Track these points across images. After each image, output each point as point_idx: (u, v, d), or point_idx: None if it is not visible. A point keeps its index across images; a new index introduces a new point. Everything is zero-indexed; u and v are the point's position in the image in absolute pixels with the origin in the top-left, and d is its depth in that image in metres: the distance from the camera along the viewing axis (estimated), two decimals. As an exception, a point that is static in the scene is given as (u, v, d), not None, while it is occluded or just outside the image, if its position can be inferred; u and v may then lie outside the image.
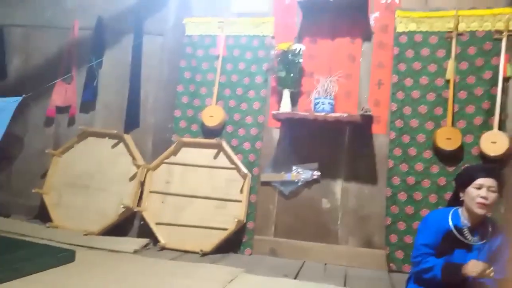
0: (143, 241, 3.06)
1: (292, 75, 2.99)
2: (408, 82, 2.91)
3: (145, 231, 3.16)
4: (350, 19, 3.02)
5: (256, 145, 3.19)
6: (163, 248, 3.02)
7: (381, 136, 2.99)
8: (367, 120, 2.81)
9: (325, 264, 2.93)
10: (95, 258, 2.61)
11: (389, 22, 2.97)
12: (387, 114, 2.96)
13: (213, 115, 3.21)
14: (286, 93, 3.01)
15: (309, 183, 3.09)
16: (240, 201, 3.06)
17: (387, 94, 2.97)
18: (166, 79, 3.37)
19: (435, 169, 2.83)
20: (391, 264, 2.84)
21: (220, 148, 3.21)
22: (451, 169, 2.79)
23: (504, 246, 1.95)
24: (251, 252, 3.08)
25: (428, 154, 2.85)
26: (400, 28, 2.92)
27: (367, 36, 3.02)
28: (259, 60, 3.23)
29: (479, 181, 1.87)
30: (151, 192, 3.25)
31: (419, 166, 2.86)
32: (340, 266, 2.90)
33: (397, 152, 2.90)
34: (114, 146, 3.42)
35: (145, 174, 3.26)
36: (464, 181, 1.94)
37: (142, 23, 3.46)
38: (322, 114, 2.80)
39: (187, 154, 3.29)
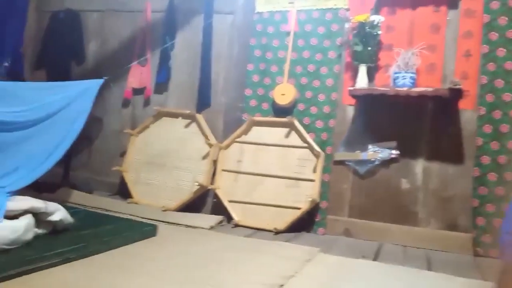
0: (218, 218, 3.12)
1: (369, 48, 2.84)
2: (501, 52, 2.64)
3: (218, 209, 3.22)
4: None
5: (329, 123, 3.10)
6: (237, 225, 3.06)
7: (468, 112, 2.77)
8: (456, 94, 2.61)
9: (404, 246, 2.81)
10: (175, 233, 2.71)
11: (481, -14, 2.71)
12: (476, 87, 2.73)
13: (284, 93, 3.15)
14: (363, 68, 2.88)
15: (386, 163, 2.96)
16: (313, 180, 3.01)
17: (476, 66, 2.73)
18: (236, 58, 3.36)
19: (532, 147, 2.58)
20: (477, 249, 2.66)
21: (291, 126, 3.16)
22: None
23: None
24: (325, 232, 3.03)
25: (524, 129, 2.60)
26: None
27: (453, 3, 2.78)
28: (332, 34, 3.10)
29: None
30: (223, 170, 3.30)
31: (511, 145, 2.62)
32: (420, 249, 2.77)
33: (487, 129, 2.67)
34: (187, 126, 3.50)
35: (218, 153, 3.31)
36: None
37: (212, 2, 3.45)
38: (404, 89, 2.64)
39: (258, 133, 3.28)
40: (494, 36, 2.66)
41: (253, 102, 3.34)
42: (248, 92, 3.36)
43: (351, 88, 2.85)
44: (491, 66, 2.67)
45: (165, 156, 3.48)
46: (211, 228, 2.94)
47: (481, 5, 2.70)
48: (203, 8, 3.48)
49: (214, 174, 3.30)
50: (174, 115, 3.55)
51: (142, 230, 2.55)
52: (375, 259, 2.53)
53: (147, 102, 3.72)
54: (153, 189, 3.45)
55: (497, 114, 2.66)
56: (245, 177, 3.25)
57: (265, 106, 3.31)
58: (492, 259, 2.52)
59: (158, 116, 3.60)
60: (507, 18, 2.63)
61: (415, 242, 2.82)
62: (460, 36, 2.77)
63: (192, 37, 3.55)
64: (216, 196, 3.25)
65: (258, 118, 3.28)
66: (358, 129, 3.05)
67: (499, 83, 2.65)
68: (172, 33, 3.60)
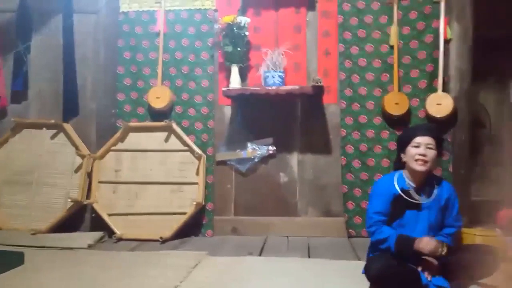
0: (97, 234, 2.91)
1: (239, 49, 2.89)
2: (354, 50, 2.92)
3: (98, 224, 3.00)
4: (293, -12, 2.96)
5: (208, 124, 3.09)
6: (119, 240, 2.89)
7: (332, 106, 3.01)
8: (318, 91, 2.80)
9: (288, 237, 2.96)
10: (47, 258, 2.44)
11: (332, -10, 2.94)
12: (337, 83, 2.97)
13: (159, 96, 3.05)
14: (235, 69, 2.92)
15: (265, 159, 3.07)
16: (196, 183, 2.98)
17: (335, 63, 2.97)
18: (104, 61, 3.15)
19: (385, 134, 2.91)
20: (350, 230, 2.92)
21: (170, 130, 3.08)
22: (400, 133, 2.86)
23: (453, 200, 2.03)
24: (213, 234, 3.04)
25: (378, 120, 2.91)
26: (344, -4, 2.91)
27: (311, 5, 2.98)
28: (203, 35, 3.08)
29: (417, 139, 1.92)
30: (100, 182, 3.08)
31: (370, 133, 2.92)
32: (302, 237, 2.94)
33: (349, 120, 2.94)
34: (53, 137, 3.17)
35: (92, 164, 3.07)
36: (403, 141, 1.98)
37: (71, 0, 3.16)
38: (274, 87, 2.75)
39: (135, 140, 3.13)
40: (348, 35, 2.92)
41: (127, 107, 3.17)
42: (120, 96, 3.17)
43: (225, 89, 2.88)
44: (347, 63, 2.92)
45: (31, 172, 3.12)
46: (90, 246, 2.73)
47: (335, 7, 2.93)
48: (62, 7, 3.17)
49: (89, 187, 3.06)
50: (37, 126, 3.18)
51: (5, 260, 2.24)
52: (260, 254, 2.61)
53: (3, 114, 3.27)
54: (20, 211, 3.07)
55: (356, 107, 2.93)
56: (125, 187, 3.08)
57: (141, 110, 3.16)
58: (363, 238, 2.78)
59: (18, 128, 3.19)
60: (357, 19, 2.90)
61: (297, 232, 2.98)
62: (319, 36, 2.98)
63: (50, 39, 3.22)
64: (94, 210, 3.03)
65: (134, 123, 3.13)
66: (236, 129, 3.10)
67: (356, 78, 2.93)
68: (27, 35, 3.22)
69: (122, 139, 3.13)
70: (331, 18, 2.96)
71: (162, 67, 3.08)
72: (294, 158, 3.06)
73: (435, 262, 1.85)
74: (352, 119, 2.93)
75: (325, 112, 3.01)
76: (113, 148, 3.12)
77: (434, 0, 2.80)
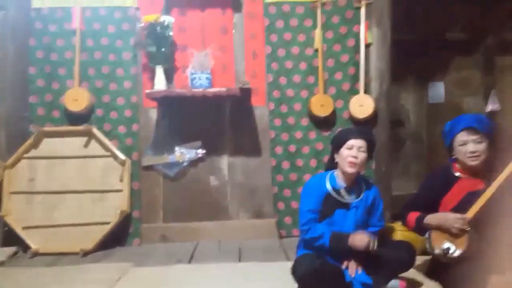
0: (10, 250, 2.67)
1: (163, 49, 2.78)
2: (281, 52, 2.94)
3: (12, 238, 2.74)
4: (218, -12, 2.90)
5: (133, 127, 2.94)
6: (35, 254, 2.66)
7: (261, 108, 3.00)
8: (246, 93, 2.78)
9: (219, 241, 2.91)
10: None
11: (258, -9, 2.93)
12: (265, 85, 2.97)
13: (77, 99, 2.84)
14: (159, 70, 2.80)
15: (194, 162, 2.99)
16: (121, 191, 2.82)
17: (262, 65, 2.96)
18: (12, 60, 2.86)
19: (312, 135, 2.96)
20: (281, 231, 2.94)
21: (90, 135, 2.87)
22: (326, 133, 2.95)
23: (378, 200, 2.12)
24: (140, 243, 2.90)
25: (305, 121, 2.96)
26: (269, -2, 2.91)
27: (237, 6, 2.94)
28: (124, 34, 2.92)
29: (350, 142, 1.99)
30: (12, 193, 2.81)
31: (299, 134, 2.96)
32: (234, 241, 2.90)
33: (277, 122, 2.95)
34: (-46, 145, 2.83)
35: (2, 174, 2.79)
36: (337, 143, 2.03)
37: (-28, -6, 2.84)
38: (200, 90, 2.68)
39: (51, 146, 2.89)
40: (274, 37, 2.93)
41: (40, 111, 2.91)
42: (33, 99, 2.91)
43: (149, 91, 2.75)
44: (274, 65, 2.93)
45: None
46: (2, 263, 2.50)
47: (261, 9, 2.92)
48: (-40, 0, 2.84)
49: (0, 199, 2.77)
50: None
51: None
52: (190, 261, 2.53)
53: None
54: None
55: (284, 108, 2.95)
56: (41, 197, 2.84)
57: (56, 114, 2.93)
58: (294, 238, 2.80)
59: None
60: (283, 22, 2.92)
61: (229, 236, 2.94)
62: (246, 38, 2.95)
63: None
64: (6, 224, 2.75)
65: (49, 128, 2.88)
66: (163, 132, 2.98)
67: (283, 80, 2.95)
68: None
69: (35, 145, 2.87)
70: (258, 20, 2.94)
71: (79, 67, 2.87)
72: (224, 161, 3.02)
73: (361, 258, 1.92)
74: (280, 120, 2.95)
75: (254, 114, 3.00)
76: (25, 155, 2.86)
77: (355, 6, 2.90)
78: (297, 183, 2.93)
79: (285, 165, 2.96)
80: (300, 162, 2.96)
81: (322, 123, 2.93)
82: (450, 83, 5.04)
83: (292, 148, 2.96)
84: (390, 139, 3.02)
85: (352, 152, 1.97)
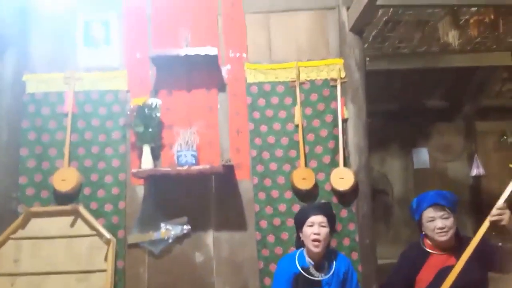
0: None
1: (150, 129, 2.91)
2: (264, 128, 3.07)
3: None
4: (204, 72, 3.09)
5: (119, 205, 2.98)
6: None
7: (245, 182, 3.07)
8: (229, 169, 2.87)
9: (204, 321, 2.83)
10: None
11: (240, 74, 3.12)
12: (249, 160, 3.07)
13: (65, 178, 2.91)
14: (146, 149, 2.91)
15: (180, 239, 2.99)
16: (104, 270, 2.80)
17: (246, 141, 3.08)
18: (5, 143, 2.97)
19: (296, 208, 2.98)
20: (267, 308, 2.88)
21: (77, 214, 2.91)
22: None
23: (351, 272, 2.13)
24: (124, 323, 2.82)
25: (288, 194, 3.01)
26: (250, 79, 3.09)
27: (221, 87, 3.12)
28: (114, 115, 3.06)
29: (311, 219, 2.04)
30: (-5, 275, 2.78)
31: (282, 207, 3.00)
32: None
33: (262, 195, 3.01)
34: None
35: (-14, 256, 2.78)
36: (299, 222, 2.09)
37: (-30, 80, 3.02)
38: (185, 167, 2.77)
39: (38, 226, 2.90)
40: (256, 115, 3.08)
41: (29, 191, 2.97)
42: (22, 180, 2.97)
43: (135, 171, 2.83)
44: (257, 141, 3.05)
45: None
46: None
47: (244, 89, 3.10)
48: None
49: (-17, 282, 2.74)
50: None
51: None
52: None
53: None
54: None
55: (268, 182, 3.02)
56: (25, 279, 2.81)
57: (45, 194, 2.98)
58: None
59: None
60: (264, 100, 3.09)
61: (215, 313, 2.87)
62: (231, 115, 3.10)
63: None
64: (-13, 309, 2.69)
65: (37, 208, 2.92)
66: (149, 209, 3.02)
67: (266, 154, 3.05)
68: None
69: (23, 225, 2.89)
70: (241, 99, 3.11)
71: (69, 148, 2.98)
72: (209, 236, 3.02)
73: None
74: (264, 194, 3.01)
75: (239, 188, 3.05)
76: (12, 236, 2.87)
77: (331, 84, 3.09)
78: (282, 256, 2.91)
79: (270, 238, 2.96)
80: (285, 235, 2.97)
81: (305, 196, 2.99)
82: (433, 149, 5.22)
83: (277, 221, 2.98)
84: (373, 210, 3.05)
85: (314, 229, 2.01)
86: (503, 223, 2.00)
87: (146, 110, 2.90)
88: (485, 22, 3.37)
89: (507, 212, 2.01)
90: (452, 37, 3.24)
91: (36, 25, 3.18)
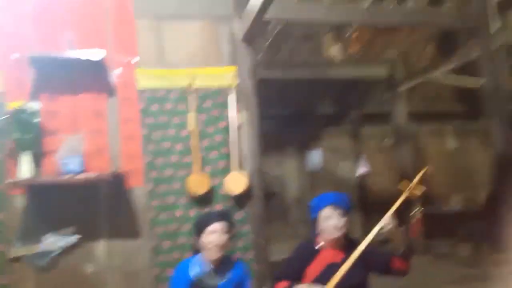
0: None
1: (30, 135, 2.69)
2: (157, 134, 3.04)
3: None
4: (92, 76, 2.94)
5: (-3, 218, 2.72)
6: None
7: (139, 189, 2.99)
8: (119, 177, 2.78)
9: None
10: None
11: (131, 79, 3.03)
12: (142, 166, 3.01)
13: None
14: (25, 157, 2.68)
15: (68, 250, 2.81)
16: (-22, 291, 2.53)
17: (139, 147, 3.01)
18: None
19: (192, 213, 3.01)
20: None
21: None
22: (205, 210, 3.03)
23: (244, 276, 2.22)
24: None
25: (184, 200, 3.02)
26: (142, 85, 3.04)
27: (111, 91, 3.00)
28: (-13, 119, 2.78)
29: (212, 226, 2.10)
30: None
31: (179, 213, 3.00)
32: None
33: (155, 202, 2.97)
34: None
35: None
36: (199, 228, 2.13)
37: None
38: (68, 176, 2.62)
39: None
40: (150, 120, 3.03)
41: None
42: None
43: (12, 181, 2.60)
44: (151, 147, 3.01)
45: None
46: None
47: (135, 95, 3.03)
48: None
49: None
50: None
51: None
52: None
53: None
54: None
55: (163, 188, 3.00)
56: None
57: None
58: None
59: None
60: (158, 106, 3.06)
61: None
62: (122, 121, 3.00)
63: None
64: None
65: None
66: (31, 220, 2.79)
67: (160, 160, 3.02)
68: None
69: None
70: (132, 104, 3.03)
71: None
72: (100, 246, 2.90)
73: None
74: (159, 200, 2.98)
75: (131, 195, 2.98)
76: None
77: (225, 91, 3.15)
78: (179, 261, 2.91)
79: (166, 244, 2.95)
80: (182, 240, 2.97)
81: (201, 201, 3.02)
82: (325, 151, 5.64)
83: (173, 227, 2.98)
84: (268, 211, 3.19)
85: (215, 236, 2.07)
86: (387, 230, 2.24)
87: (24, 114, 2.68)
88: (364, 38, 3.74)
89: (393, 222, 2.25)
90: (334, 50, 3.53)
91: None
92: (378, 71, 4.66)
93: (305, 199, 5.52)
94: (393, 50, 4.17)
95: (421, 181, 2.31)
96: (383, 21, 3.18)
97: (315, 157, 5.46)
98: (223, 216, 2.19)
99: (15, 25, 2.89)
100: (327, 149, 5.56)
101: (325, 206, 2.39)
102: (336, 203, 2.38)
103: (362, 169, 5.40)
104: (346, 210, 2.40)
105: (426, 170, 2.31)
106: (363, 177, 5.50)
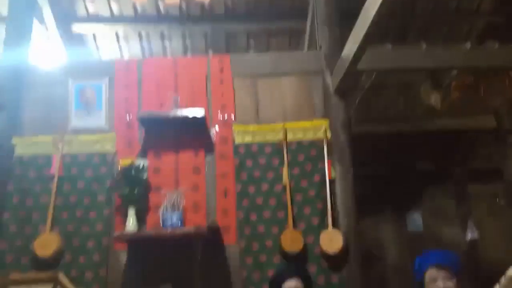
0: None
1: (136, 191, 2.87)
2: (251, 189, 3.04)
3: None
4: (192, 133, 3.13)
5: (100, 272, 2.85)
6: None
7: (232, 246, 2.96)
8: (215, 231, 2.79)
9: None
10: None
11: (228, 135, 3.16)
12: (235, 222, 2.99)
13: (46, 244, 2.81)
14: (131, 211, 2.85)
15: (163, 308, 2.82)
16: None
17: (233, 203, 3.03)
18: (-12, 207, 2.92)
19: (286, 273, 2.87)
20: None
21: (56, 282, 2.75)
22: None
23: None
24: None
25: (277, 259, 2.90)
26: (238, 140, 3.13)
27: (209, 148, 3.14)
28: (100, 177, 3.04)
29: (288, 284, 2.01)
30: None
31: (271, 273, 2.87)
32: None
33: (249, 260, 2.90)
34: None
35: (-46, 330, 2.58)
36: (275, 286, 2.06)
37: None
38: (169, 230, 2.69)
39: (14, 294, 2.74)
40: (244, 175, 3.07)
41: (9, 258, 2.86)
42: (2, 245, 2.88)
43: (118, 234, 2.75)
44: (245, 202, 3.01)
45: None
46: None
47: (231, 150, 3.13)
48: None
49: None
50: None
51: None
52: None
53: None
54: None
55: (255, 246, 2.93)
56: None
57: (25, 260, 2.87)
58: None
59: None
60: (252, 161, 3.10)
61: None
62: (218, 177, 3.08)
63: None
64: None
65: (15, 276, 2.76)
66: (132, 276, 2.89)
67: (253, 216, 2.99)
68: None
69: (-3, 294, 2.73)
70: (228, 160, 3.12)
71: (53, 212, 2.91)
72: (194, 304, 2.86)
73: None
74: (252, 258, 2.90)
75: (225, 252, 2.95)
76: (-15, 306, 2.70)
77: (318, 145, 3.11)
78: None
79: (259, 306, 2.81)
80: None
81: (293, 260, 2.87)
82: (426, 213, 5.12)
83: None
84: (361, 274, 2.91)
85: None
86: None
87: (133, 171, 2.89)
88: (466, 85, 3.49)
89: None
90: (434, 99, 3.33)
91: (28, 89, 3.27)
92: (484, 121, 4.25)
93: (405, 267, 4.99)
94: (500, 97, 3.81)
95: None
96: (486, 64, 2.95)
97: (416, 220, 5.01)
98: (296, 271, 2.11)
99: (128, 90, 3.24)
100: (428, 211, 5.08)
101: (429, 266, 2.12)
102: (441, 263, 2.09)
103: (470, 234, 4.78)
104: (454, 271, 2.09)
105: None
106: (472, 243, 4.86)
